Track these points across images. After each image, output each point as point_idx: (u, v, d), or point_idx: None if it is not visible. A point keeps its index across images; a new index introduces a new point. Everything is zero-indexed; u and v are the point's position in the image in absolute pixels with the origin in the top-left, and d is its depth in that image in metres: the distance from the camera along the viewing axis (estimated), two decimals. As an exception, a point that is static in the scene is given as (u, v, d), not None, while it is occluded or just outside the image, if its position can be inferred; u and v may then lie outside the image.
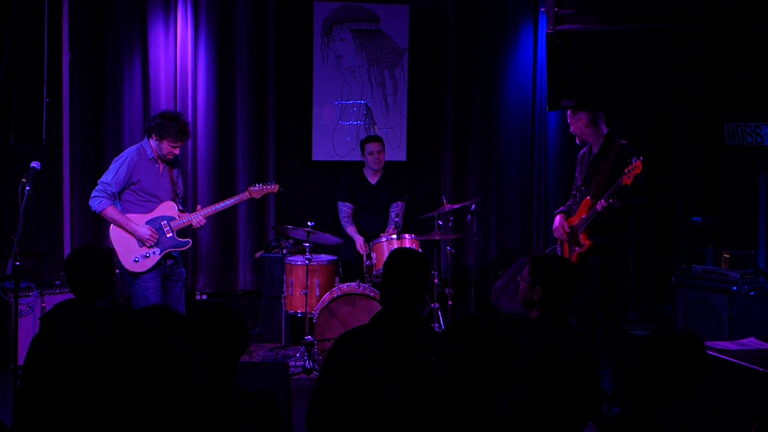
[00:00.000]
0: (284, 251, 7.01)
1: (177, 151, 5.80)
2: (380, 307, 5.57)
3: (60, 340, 3.32)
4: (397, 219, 6.83)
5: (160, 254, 5.72)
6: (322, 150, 7.66)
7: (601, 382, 5.34)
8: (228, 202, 6.08)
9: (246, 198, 6.15)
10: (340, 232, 7.00)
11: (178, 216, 5.86)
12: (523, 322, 3.58)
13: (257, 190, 6.15)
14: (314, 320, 6.23)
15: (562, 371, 3.22)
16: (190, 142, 7.00)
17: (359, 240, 6.83)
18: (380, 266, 6.46)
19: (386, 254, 6.39)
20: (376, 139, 7.04)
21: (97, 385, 2.50)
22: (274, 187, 6.24)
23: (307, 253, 6.37)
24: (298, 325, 6.91)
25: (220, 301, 7.32)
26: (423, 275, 3.43)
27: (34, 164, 5.10)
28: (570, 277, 3.43)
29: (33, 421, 3.29)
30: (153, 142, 5.74)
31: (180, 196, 6.05)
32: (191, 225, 5.92)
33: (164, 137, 5.67)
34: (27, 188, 4.85)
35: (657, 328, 2.72)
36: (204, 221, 5.96)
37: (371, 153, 6.96)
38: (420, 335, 3.29)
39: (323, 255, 6.82)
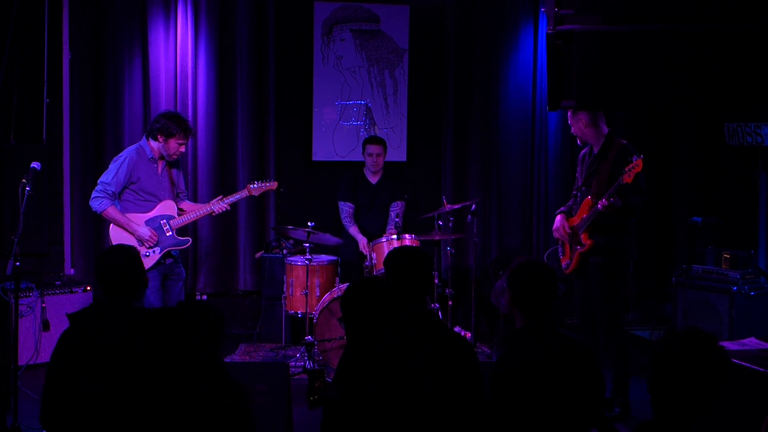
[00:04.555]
0: (284, 251, 7.01)
1: (183, 149, 5.84)
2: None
3: (96, 338, 3.31)
4: (397, 219, 6.83)
5: (159, 253, 5.74)
6: (323, 150, 7.66)
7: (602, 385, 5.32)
8: (227, 200, 6.09)
9: (245, 195, 6.15)
10: (340, 232, 6.99)
11: (177, 215, 5.87)
12: (505, 333, 3.52)
13: (256, 187, 6.16)
14: (314, 320, 6.23)
15: (550, 381, 3.14)
16: (190, 142, 6.99)
17: (362, 241, 6.82)
18: (380, 266, 6.46)
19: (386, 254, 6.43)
20: (379, 142, 7.01)
21: (130, 382, 2.52)
22: (273, 185, 6.25)
23: (308, 254, 6.37)
24: (299, 325, 6.91)
25: (196, 299, 7.32)
26: (429, 270, 3.41)
27: (35, 165, 5.10)
28: (539, 281, 3.29)
29: (59, 415, 3.29)
30: (156, 144, 5.76)
31: (181, 196, 6.06)
32: (190, 222, 5.96)
33: (172, 135, 5.71)
34: (27, 189, 4.85)
35: (671, 328, 2.61)
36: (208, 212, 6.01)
37: (370, 155, 6.96)
38: (435, 333, 3.28)
39: (323, 255, 6.82)
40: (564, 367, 3.20)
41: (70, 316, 3.47)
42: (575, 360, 3.25)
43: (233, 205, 6.18)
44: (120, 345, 3.20)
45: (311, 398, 5.02)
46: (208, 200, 6.72)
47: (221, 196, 6.11)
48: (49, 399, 3.33)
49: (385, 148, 7.02)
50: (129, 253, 3.65)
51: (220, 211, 6.01)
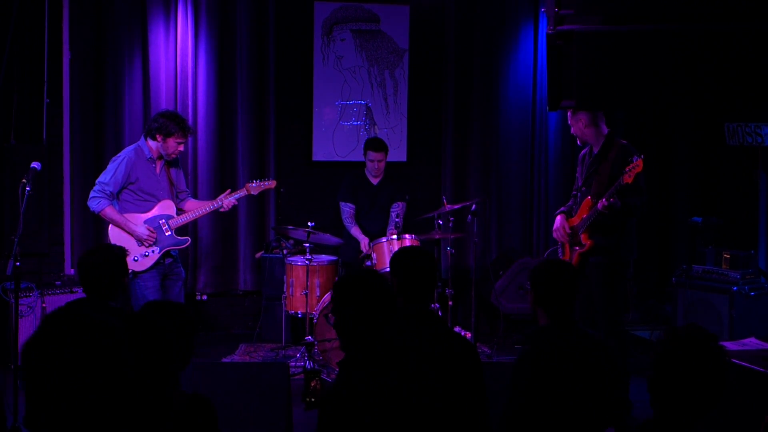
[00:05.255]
0: (284, 251, 7.01)
1: (182, 148, 5.83)
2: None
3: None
4: (397, 219, 6.82)
5: (159, 253, 5.73)
6: (323, 150, 7.66)
7: (623, 385, 5.29)
8: (231, 196, 6.08)
9: (244, 194, 6.14)
10: (340, 232, 6.99)
11: (177, 214, 5.87)
12: (528, 330, 3.53)
13: (255, 186, 6.15)
14: (314, 320, 6.23)
15: (571, 378, 3.17)
16: (190, 142, 7.00)
17: (364, 240, 6.82)
18: (381, 266, 6.46)
19: (387, 254, 6.42)
20: (381, 148, 6.96)
21: (98, 381, 2.50)
22: (271, 183, 6.24)
23: (308, 254, 6.36)
24: (299, 325, 6.91)
25: (167, 302, 7.25)
26: (432, 271, 3.42)
27: (35, 164, 5.10)
28: (561, 280, 3.34)
29: (39, 415, 3.28)
30: (154, 143, 5.75)
31: (182, 195, 6.06)
32: (190, 222, 5.96)
33: (171, 134, 5.71)
34: (27, 189, 4.85)
35: (672, 327, 2.63)
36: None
37: (372, 161, 6.95)
38: (438, 335, 3.27)
39: (323, 255, 6.82)
40: (585, 365, 3.22)
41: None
42: (597, 359, 3.27)
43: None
44: (88, 345, 3.16)
45: (307, 399, 4.99)
46: (207, 200, 6.72)
47: (229, 190, 6.09)
48: (30, 399, 3.32)
49: (386, 153, 7.00)
50: (110, 254, 3.64)
51: (229, 206, 5.99)
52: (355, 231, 6.95)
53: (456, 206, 6.68)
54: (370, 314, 2.86)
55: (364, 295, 2.89)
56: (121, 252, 3.71)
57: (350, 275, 3.01)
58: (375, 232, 6.91)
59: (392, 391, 2.76)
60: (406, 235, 6.53)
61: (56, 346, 2.44)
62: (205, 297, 7.43)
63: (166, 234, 5.79)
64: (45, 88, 6.77)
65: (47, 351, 2.40)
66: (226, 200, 5.96)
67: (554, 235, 5.70)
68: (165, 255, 5.79)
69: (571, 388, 3.17)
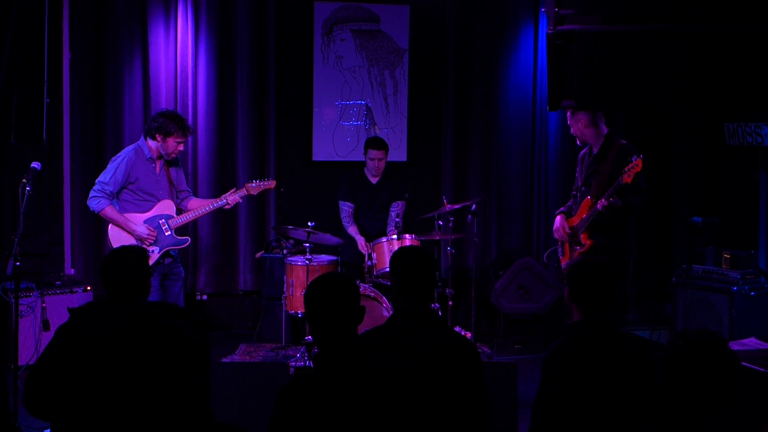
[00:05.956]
0: (285, 251, 7.01)
1: (182, 147, 5.84)
2: (379, 308, 5.57)
3: (87, 335, 3.31)
4: (397, 219, 6.82)
5: (158, 253, 5.74)
6: (323, 150, 7.66)
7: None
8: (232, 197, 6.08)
9: (243, 194, 6.14)
10: (340, 232, 6.99)
11: (177, 214, 5.88)
12: (561, 326, 3.53)
13: (254, 186, 6.15)
14: (314, 320, 6.22)
15: (603, 373, 3.21)
16: (190, 142, 7.01)
17: (361, 240, 6.82)
18: (381, 266, 6.46)
19: (387, 254, 6.43)
20: (381, 146, 6.98)
21: (115, 380, 2.51)
22: (271, 183, 6.24)
23: (308, 254, 6.36)
24: (299, 325, 6.91)
25: (163, 303, 7.15)
26: (431, 270, 3.42)
27: (35, 164, 5.10)
28: (595, 278, 3.41)
29: (43, 400, 3.30)
30: (154, 143, 5.76)
31: (182, 195, 6.05)
32: (190, 222, 5.97)
33: (170, 134, 5.71)
34: (27, 188, 4.85)
35: (683, 331, 2.64)
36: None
37: (372, 159, 6.95)
38: (438, 334, 3.28)
39: (324, 255, 6.82)
40: (618, 361, 3.25)
41: (71, 310, 3.48)
42: (631, 356, 3.29)
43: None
44: (104, 344, 3.17)
45: None
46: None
47: (234, 189, 6.10)
48: (33, 382, 3.34)
49: (386, 152, 7.01)
50: (135, 256, 3.60)
51: (234, 203, 6.01)
52: (352, 230, 6.95)
53: (456, 206, 6.68)
54: (329, 311, 2.84)
55: (325, 292, 2.88)
56: (145, 254, 3.68)
57: (319, 276, 2.99)
58: (375, 232, 6.91)
59: (360, 387, 2.75)
60: (406, 235, 6.53)
61: (128, 348, 2.43)
62: (205, 297, 7.44)
63: (166, 234, 5.79)
64: (45, 88, 6.77)
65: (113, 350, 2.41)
66: (231, 197, 5.98)
67: (555, 235, 5.71)
68: (165, 255, 5.79)
69: (603, 383, 3.20)
